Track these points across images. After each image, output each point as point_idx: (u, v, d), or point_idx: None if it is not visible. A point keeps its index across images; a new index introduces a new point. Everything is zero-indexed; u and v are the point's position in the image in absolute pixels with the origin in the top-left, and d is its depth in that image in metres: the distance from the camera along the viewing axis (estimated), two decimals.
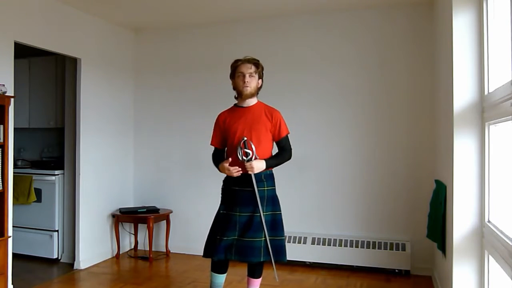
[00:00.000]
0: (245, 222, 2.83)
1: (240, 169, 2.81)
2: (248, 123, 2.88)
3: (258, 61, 2.98)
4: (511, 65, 1.87)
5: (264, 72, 3.06)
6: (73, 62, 4.32)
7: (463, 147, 2.57)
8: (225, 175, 2.96)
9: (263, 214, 2.84)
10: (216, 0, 3.98)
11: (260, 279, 3.05)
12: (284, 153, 2.99)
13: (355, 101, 4.23)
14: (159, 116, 4.95)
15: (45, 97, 4.90)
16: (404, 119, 4.10)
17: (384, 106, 4.15)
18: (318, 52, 4.35)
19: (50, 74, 4.87)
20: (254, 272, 3.00)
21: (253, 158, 2.80)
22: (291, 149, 3.03)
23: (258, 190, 2.82)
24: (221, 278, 3.00)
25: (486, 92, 2.45)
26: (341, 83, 4.28)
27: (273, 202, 2.90)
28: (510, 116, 1.89)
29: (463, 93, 2.59)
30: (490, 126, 2.40)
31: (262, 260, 2.82)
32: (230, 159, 2.84)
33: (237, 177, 2.85)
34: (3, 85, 3.25)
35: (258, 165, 2.81)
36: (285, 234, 2.99)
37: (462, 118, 2.58)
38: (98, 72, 4.47)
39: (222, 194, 2.98)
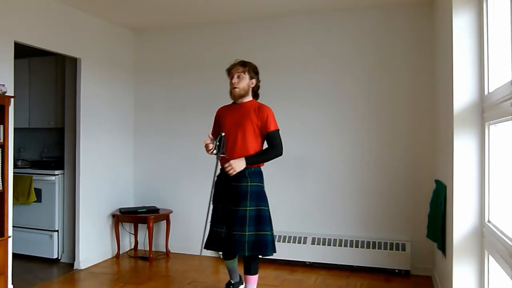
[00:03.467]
0: (231, 216, 2.98)
1: (210, 146, 2.96)
2: (236, 119, 3.03)
3: (246, 62, 3.09)
4: (511, 65, 1.87)
5: (263, 71, 3.17)
6: (73, 62, 4.32)
7: (463, 147, 2.57)
8: (219, 172, 3.12)
9: (242, 209, 2.97)
10: (216, 0, 3.98)
11: (257, 276, 3.11)
12: (272, 149, 3.04)
13: (355, 101, 4.23)
14: (159, 116, 4.95)
15: (45, 97, 4.90)
16: (404, 119, 4.10)
17: (384, 106, 4.15)
18: (318, 51, 4.35)
19: (50, 74, 4.87)
20: (250, 268, 3.07)
21: (220, 153, 2.97)
22: (281, 145, 3.05)
23: (241, 185, 2.98)
24: (231, 263, 3.25)
25: (486, 92, 2.45)
26: (341, 83, 4.28)
27: (257, 197, 3.00)
28: (510, 116, 1.89)
29: (463, 93, 2.59)
30: (490, 126, 2.40)
31: (247, 254, 2.94)
32: (210, 135, 3.04)
33: (224, 171, 2.99)
34: (3, 85, 3.26)
35: (238, 164, 2.91)
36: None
37: (462, 118, 2.58)
38: (98, 72, 4.47)
39: (214, 188, 3.12)
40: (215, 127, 3.22)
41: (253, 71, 3.09)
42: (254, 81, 3.09)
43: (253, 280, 3.09)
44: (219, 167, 3.08)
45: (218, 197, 3.10)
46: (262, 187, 3.06)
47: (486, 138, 2.44)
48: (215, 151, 2.97)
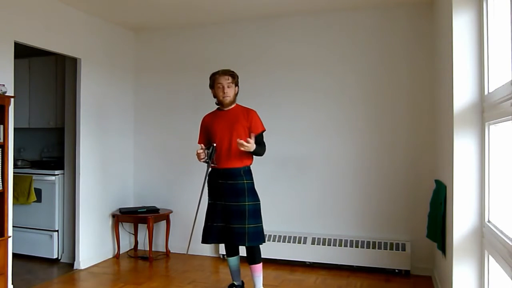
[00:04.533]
0: (230, 211, 3.22)
1: (203, 155, 3.21)
2: (227, 124, 3.28)
3: (233, 72, 3.36)
4: (511, 65, 1.87)
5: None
6: (73, 62, 4.32)
7: (463, 147, 2.57)
8: (210, 171, 3.33)
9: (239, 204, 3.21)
10: (216, 0, 3.98)
11: (261, 264, 3.32)
12: (261, 146, 3.31)
13: (355, 101, 4.23)
14: (159, 116, 4.95)
15: (45, 97, 4.90)
16: (404, 119, 4.10)
17: (384, 106, 4.15)
18: (318, 51, 4.35)
19: (50, 74, 4.87)
20: (254, 258, 3.28)
21: (211, 162, 3.21)
22: (265, 145, 3.36)
23: (238, 183, 3.22)
24: (233, 261, 3.45)
25: (486, 92, 2.45)
26: (341, 83, 4.28)
27: (253, 193, 3.27)
28: (510, 116, 1.89)
29: (463, 93, 2.59)
30: (490, 126, 2.39)
31: (247, 245, 3.19)
32: (202, 145, 3.27)
33: (221, 171, 3.24)
34: (3, 85, 3.26)
35: (253, 145, 3.14)
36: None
37: (462, 118, 2.58)
38: (98, 72, 4.47)
39: (208, 186, 3.35)
40: (203, 135, 3.43)
41: (237, 79, 3.38)
42: (237, 88, 3.37)
43: (259, 268, 3.32)
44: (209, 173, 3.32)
45: (215, 195, 3.30)
46: (254, 184, 3.32)
47: (486, 138, 2.43)
48: (206, 160, 3.21)
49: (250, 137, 3.18)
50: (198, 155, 3.21)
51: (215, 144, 3.24)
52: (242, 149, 3.10)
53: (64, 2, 3.98)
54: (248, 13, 4.36)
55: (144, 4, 4.07)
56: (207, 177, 3.25)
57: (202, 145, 3.27)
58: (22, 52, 4.02)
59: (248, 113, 3.32)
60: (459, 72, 2.60)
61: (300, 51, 4.41)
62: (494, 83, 2.34)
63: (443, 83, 3.21)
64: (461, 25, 2.60)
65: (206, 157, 3.20)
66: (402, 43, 4.10)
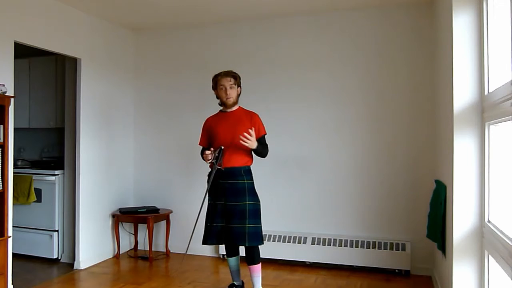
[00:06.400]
0: (230, 211, 3.22)
1: (210, 157, 3.20)
2: (230, 126, 3.29)
3: (236, 73, 3.38)
4: (511, 65, 1.87)
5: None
6: (73, 62, 4.32)
7: (463, 147, 2.57)
8: (209, 170, 3.33)
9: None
10: (216, 0, 3.98)
11: (260, 264, 3.33)
12: (264, 148, 3.34)
13: (355, 101, 4.23)
14: (159, 116, 4.95)
15: (45, 97, 4.90)
16: (404, 119, 4.10)
17: (384, 106, 4.15)
18: (317, 51, 4.35)
19: (50, 74, 4.87)
20: (253, 258, 3.29)
21: (217, 164, 3.19)
22: (268, 148, 3.37)
23: (238, 182, 3.23)
24: (233, 261, 3.46)
25: (486, 92, 2.45)
26: (341, 83, 4.28)
27: (253, 193, 3.28)
28: (510, 116, 1.89)
29: (463, 93, 2.59)
30: (490, 126, 2.40)
31: (247, 244, 3.20)
32: (212, 148, 3.23)
33: (221, 171, 3.23)
34: (3, 85, 3.26)
35: (255, 142, 3.17)
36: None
37: (462, 118, 2.58)
38: (98, 72, 4.47)
39: (207, 193, 3.34)
40: (205, 136, 3.46)
41: (240, 80, 3.39)
42: (239, 89, 3.40)
43: (258, 269, 3.32)
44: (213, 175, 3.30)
45: (215, 195, 3.30)
46: (254, 184, 3.33)
47: (486, 138, 2.44)
48: (213, 161, 3.21)
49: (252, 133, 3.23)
50: (205, 156, 3.22)
51: (223, 147, 3.22)
52: (245, 144, 3.10)
53: (64, 2, 3.98)
54: (248, 13, 4.36)
55: (144, 4, 4.07)
56: (211, 179, 3.22)
57: (212, 148, 3.25)
58: (22, 52, 4.01)
59: (251, 116, 3.35)
60: (459, 72, 2.60)
61: (300, 51, 4.41)
62: (494, 83, 2.34)
63: (443, 83, 3.21)
64: (461, 25, 2.60)
65: (212, 159, 3.21)
66: (402, 43, 4.10)
